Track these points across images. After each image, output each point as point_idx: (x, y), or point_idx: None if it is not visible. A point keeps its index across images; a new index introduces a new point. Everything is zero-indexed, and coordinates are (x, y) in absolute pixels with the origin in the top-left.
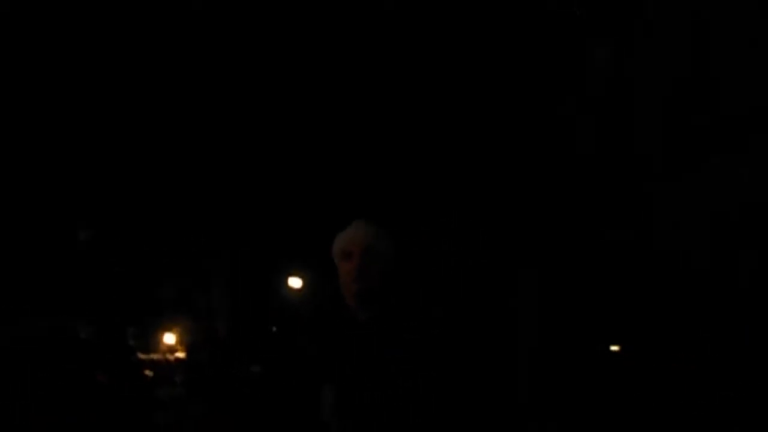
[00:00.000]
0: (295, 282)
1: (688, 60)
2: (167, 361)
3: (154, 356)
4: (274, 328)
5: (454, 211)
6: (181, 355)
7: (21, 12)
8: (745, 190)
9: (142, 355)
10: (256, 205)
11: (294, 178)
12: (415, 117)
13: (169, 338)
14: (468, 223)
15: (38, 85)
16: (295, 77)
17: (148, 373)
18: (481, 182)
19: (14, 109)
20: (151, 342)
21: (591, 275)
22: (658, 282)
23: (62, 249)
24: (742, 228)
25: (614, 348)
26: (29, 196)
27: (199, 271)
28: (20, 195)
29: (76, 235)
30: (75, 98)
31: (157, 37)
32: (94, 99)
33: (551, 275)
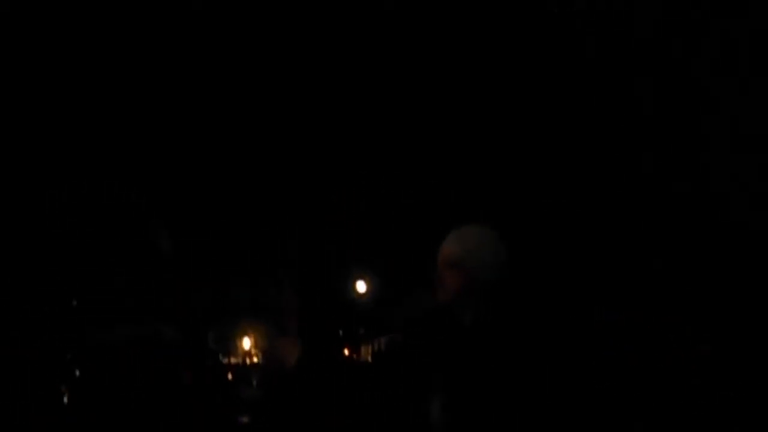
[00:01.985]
0: (361, 286)
1: None
2: (245, 364)
3: (233, 360)
4: (362, 330)
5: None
6: (256, 359)
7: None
8: None
9: (223, 359)
10: (323, 209)
11: (364, 181)
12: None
13: (246, 343)
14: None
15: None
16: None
17: (229, 376)
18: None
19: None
20: (231, 346)
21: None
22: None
23: (146, 258)
24: None
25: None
26: (114, 208)
27: (271, 273)
28: (104, 208)
29: (159, 245)
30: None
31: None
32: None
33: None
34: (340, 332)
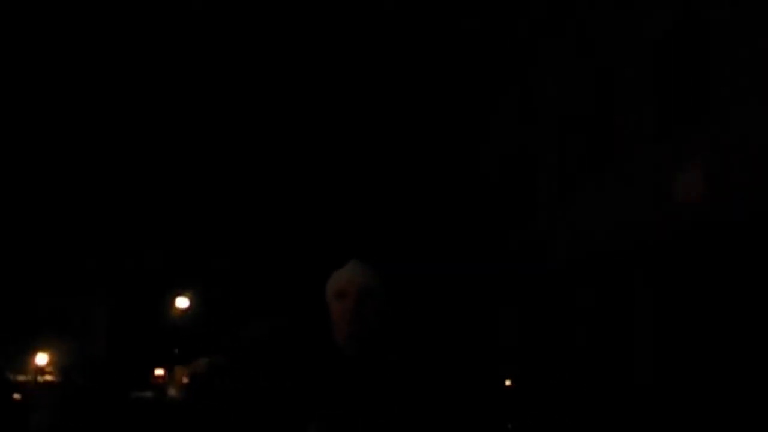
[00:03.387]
0: (182, 302)
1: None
2: (37, 383)
3: (22, 378)
4: (176, 350)
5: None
6: (50, 377)
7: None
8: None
9: (11, 376)
10: (147, 220)
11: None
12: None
13: (41, 359)
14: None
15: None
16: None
17: (16, 396)
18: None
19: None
20: (22, 362)
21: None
22: None
23: None
24: None
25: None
26: None
27: (78, 290)
28: None
29: None
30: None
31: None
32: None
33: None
34: (175, 351)
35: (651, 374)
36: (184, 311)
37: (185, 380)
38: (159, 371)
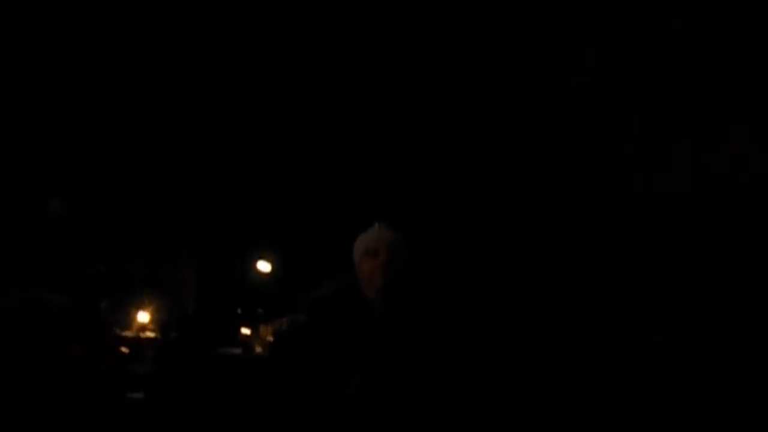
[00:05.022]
0: (263, 266)
1: None
2: (140, 339)
3: (128, 333)
4: (239, 310)
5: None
6: (151, 334)
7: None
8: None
9: (117, 331)
10: (228, 189)
11: (271, 166)
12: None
13: (143, 316)
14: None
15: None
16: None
17: (124, 350)
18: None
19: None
20: (126, 319)
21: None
22: None
23: (32, 219)
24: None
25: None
26: (9, 173)
27: (168, 252)
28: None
29: (46, 205)
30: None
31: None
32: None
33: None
34: (239, 311)
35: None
36: (266, 274)
37: (269, 338)
38: (245, 330)
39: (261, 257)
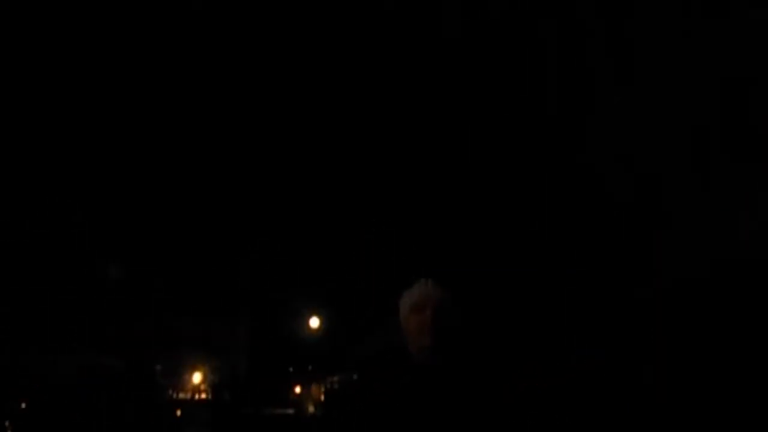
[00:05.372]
0: (314, 321)
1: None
2: (194, 401)
3: (182, 395)
4: (311, 368)
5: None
6: (204, 395)
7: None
8: None
9: (171, 394)
10: (277, 246)
11: (321, 218)
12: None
13: (196, 377)
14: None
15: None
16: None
17: (178, 412)
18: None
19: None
20: (179, 380)
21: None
22: None
23: (93, 286)
24: None
25: None
26: (60, 235)
27: (222, 309)
28: (50, 234)
29: (108, 272)
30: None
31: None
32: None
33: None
34: (290, 369)
35: None
36: (316, 330)
37: (321, 397)
38: (297, 389)
39: (311, 313)
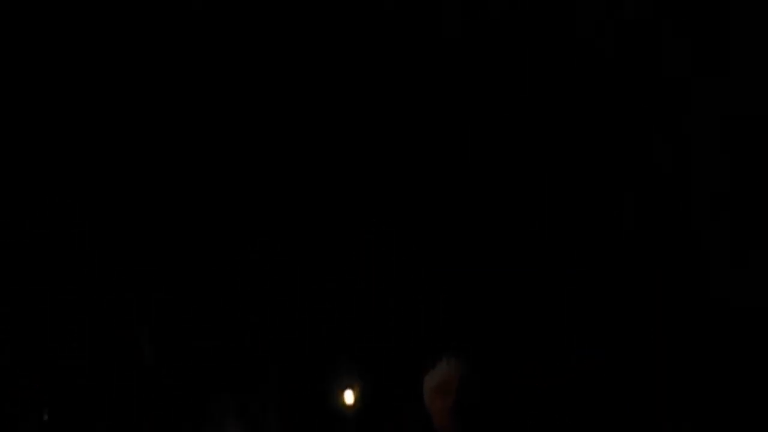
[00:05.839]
0: (348, 396)
1: None
2: None
3: None
4: None
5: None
6: None
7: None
8: None
9: None
10: (307, 322)
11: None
12: None
13: None
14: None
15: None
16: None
17: None
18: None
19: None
20: None
21: None
22: None
23: (126, 365)
24: None
25: None
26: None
27: (252, 384)
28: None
29: (141, 351)
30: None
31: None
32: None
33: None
34: None
35: None
36: (351, 405)
37: None
38: None
39: (346, 387)
